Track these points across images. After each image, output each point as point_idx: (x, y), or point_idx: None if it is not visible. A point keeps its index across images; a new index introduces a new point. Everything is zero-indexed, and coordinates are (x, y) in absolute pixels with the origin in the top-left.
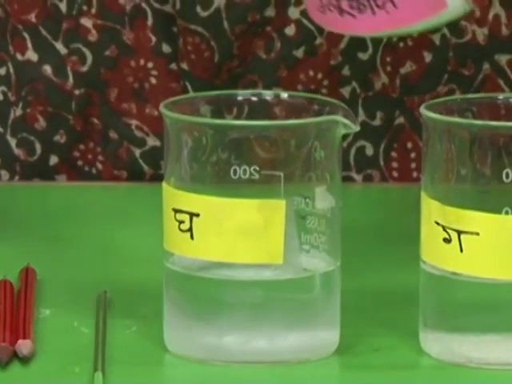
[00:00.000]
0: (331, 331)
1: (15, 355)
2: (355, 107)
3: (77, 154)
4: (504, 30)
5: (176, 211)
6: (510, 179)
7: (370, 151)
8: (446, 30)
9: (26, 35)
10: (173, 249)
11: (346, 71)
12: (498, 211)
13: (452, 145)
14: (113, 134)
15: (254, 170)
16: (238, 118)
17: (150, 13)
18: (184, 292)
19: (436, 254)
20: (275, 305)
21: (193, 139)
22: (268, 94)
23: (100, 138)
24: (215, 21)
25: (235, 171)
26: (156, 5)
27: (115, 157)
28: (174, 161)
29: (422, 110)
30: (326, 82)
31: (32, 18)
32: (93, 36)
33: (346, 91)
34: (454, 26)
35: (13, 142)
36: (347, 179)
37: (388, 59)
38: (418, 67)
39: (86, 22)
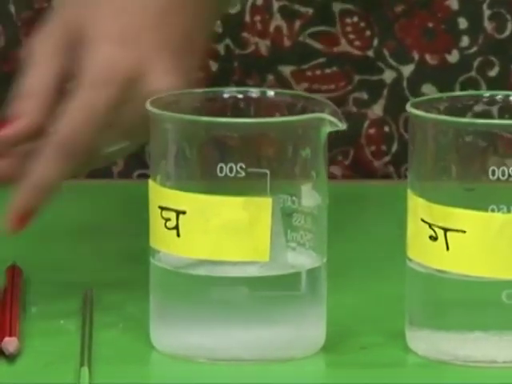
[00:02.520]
0: (317, 329)
1: (1, 353)
2: None
3: None
4: (286, 41)
5: (162, 209)
6: (496, 177)
7: None
8: (229, 41)
9: None
10: (159, 246)
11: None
12: (484, 209)
13: (438, 142)
14: None
15: (240, 167)
16: (223, 115)
17: None
18: (170, 289)
19: (422, 252)
20: (261, 302)
21: (178, 137)
22: (254, 92)
23: None
24: (1, 3)
25: (221, 169)
26: None
27: None
28: (160, 158)
29: (409, 108)
30: None
31: None
32: None
33: None
34: (235, 37)
35: None
36: None
37: None
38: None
39: None
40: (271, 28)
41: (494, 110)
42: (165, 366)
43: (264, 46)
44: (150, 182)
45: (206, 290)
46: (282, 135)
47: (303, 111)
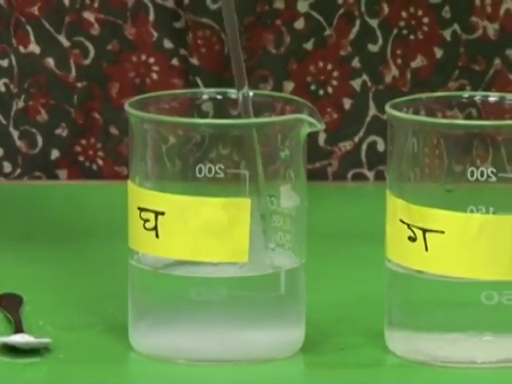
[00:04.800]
0: (296, 329)
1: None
2: (366, 100)
3: (78, 148)
4: None
5: (141, 210)
6: (474, 178)
7: (381, 147)
8: (456, 26)
9: (28, 28)
10: (138, 247)
11: (356, 63)
12: (462, 210)
13: (417, 143)
14: (113, 130)
15: (219, 168)
16: (203, 116)
17: (152, 8)
18: (149, 290)
19: (401, 253)
20: (240, 303)
21: (157, 138)
22: (233, 93)
23: (101, 134)
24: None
25: (200, 170)
26: (158, 0)
27: (116, 153)
28: (139, 159)
29: (387, 109)
30: (336, 74)
31: (35, 10)
32: (95, 30)
33: (356, 84)
34: (464, 21)
35: (15, 134)
36: (359, 176)
37: (398, 52)
38: (429, 62)
39: (89, 15)
40: (501, 11)
41: (473, 110)
42: (143, 366)
43: (492, 29)
44: (129, 182)
45: (185, 291)
46: (261, 136)
47: (282, 112)
